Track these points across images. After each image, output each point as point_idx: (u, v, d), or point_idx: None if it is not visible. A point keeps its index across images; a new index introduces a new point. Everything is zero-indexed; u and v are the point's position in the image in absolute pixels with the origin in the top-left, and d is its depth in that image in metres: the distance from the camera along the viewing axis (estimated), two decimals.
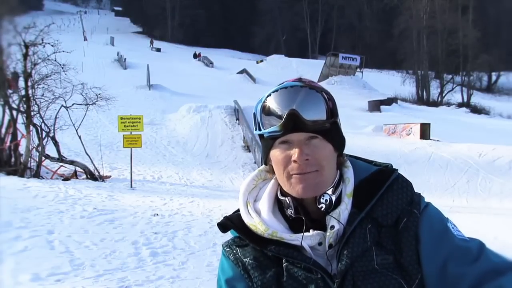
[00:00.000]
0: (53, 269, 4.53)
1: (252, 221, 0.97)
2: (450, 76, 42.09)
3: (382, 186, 0.93)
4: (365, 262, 0.88)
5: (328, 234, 0.91)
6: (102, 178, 11.46)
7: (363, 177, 0.97)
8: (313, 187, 0.91)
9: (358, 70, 40.02)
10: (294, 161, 0.90)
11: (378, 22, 59.00)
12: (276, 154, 0.93)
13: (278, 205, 0.99)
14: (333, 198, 0.93)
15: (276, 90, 0.93)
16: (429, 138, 16.29)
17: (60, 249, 5.18)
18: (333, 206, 0.93)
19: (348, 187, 0.95)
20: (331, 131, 0.93)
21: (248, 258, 0.96)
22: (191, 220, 7.15)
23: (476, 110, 34.34)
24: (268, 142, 0.95)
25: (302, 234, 0.91)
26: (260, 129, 0.95)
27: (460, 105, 36.70)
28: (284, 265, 0.92)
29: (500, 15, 51.63)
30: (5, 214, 6.10)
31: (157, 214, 7.31)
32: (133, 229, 6.38)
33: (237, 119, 19.02)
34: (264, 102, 0.94)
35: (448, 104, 37.50)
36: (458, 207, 9.37)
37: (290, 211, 0.95)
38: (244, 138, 17.17)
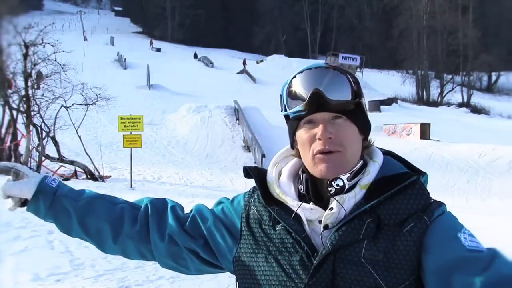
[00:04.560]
0: (53, 269, 4.53)
1: (272, 178, 1.02)
2: (450, 76, 42.12)
3: (396, 186, 0.92)
4: (352, 252, 0.87)
5: (325, 214, 0.91)
6: (102, 178, 11.46)
7: (386, 174, 0.95)
8: (336, 167, 0.92)
9: (358, 70, 40.06)
10: (319, 139, 0.91)
11: (378, 22, 59.02)
12: (301, 134, 0.95)
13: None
14: (347, 185, 0.93)
15: (302, 71, 0.95)
16: (429, 138, 16.31)
17: (60, 249, 5.17)
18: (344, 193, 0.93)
19: (365, 179, 0.94)
20: (355, 112, 0.95)
21: (256, 209, 1.00)
22: None
23: (476, 110, 34.37)
24: (293, 123, 0.97)
25: (301, 202, 0.94)
26: (285, 110, 0.97)
27: (460, 105, 36.73)
28: (278, 228, 0.95)
29: (500, 15, 51.60)
30: (5, 214, 6.10)
31: None
32: None
33: (237, 119, 19.03)
34: (290, 83, 0.96)
35: (448, 104, 37.54)
36: (458, 207, 9.38)
37: (301, 187, 0.97)
38: (244, 138, 17.17)
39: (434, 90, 41.12)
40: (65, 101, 11.80)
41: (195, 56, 49.66)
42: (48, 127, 11.58)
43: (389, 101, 29.62)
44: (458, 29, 41.06)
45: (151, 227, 1.06)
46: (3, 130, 11.40)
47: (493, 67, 44.30)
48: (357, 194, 0.92)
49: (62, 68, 11.90)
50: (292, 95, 0.94)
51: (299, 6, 62.39)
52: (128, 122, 11.36)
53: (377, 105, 27.27)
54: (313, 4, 62.50)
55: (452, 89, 40.93)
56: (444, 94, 40.42)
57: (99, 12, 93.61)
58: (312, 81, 0.92)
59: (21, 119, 11.47)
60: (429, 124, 17.12)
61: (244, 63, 44.44)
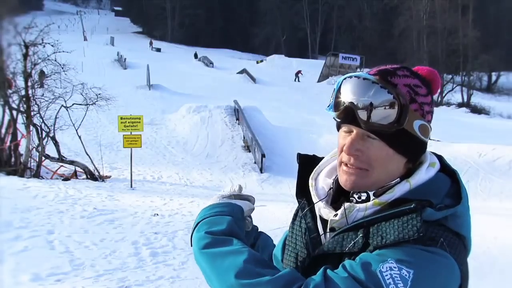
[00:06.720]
0: (53, 269, 4.53)
1: (316, 168, 1.02)
2: (450, 76, 42.09)
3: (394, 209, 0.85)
4: (331, 261, 0.86)
5: (330, 219, 0.92)
6: (102, 178, 11.46)
7: (414, 197, 0.85)
8: (356, 183, 0.89)
9: (358, 70, 40.04)
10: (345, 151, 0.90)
11: (378, 22, 58.95)
12: (339, 137, 0.93)
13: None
14: (371, 199, 0.89)
15: (351, 77, 0.89)
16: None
17: (60, 249, 5.17)
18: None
19: (385, 197, 0.88)
20: (394, 137, 0.86)
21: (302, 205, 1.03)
22: (191, 220, 7.12)
23: (476, 110, 34.36)
24: (337, 122, 0.94)
25: (318, 201, 0.96)
26: (330, 108, 0.94)
27: (460, 105, 36.71)
28: (304, 226, 0.98)
29: (500, 15, 51.59)
30: (5, 214, 6.10)
31: (157, 214, 7.30)
32: (133, 229, 6.37)
33: (237, 119, 19.00)
34: (340, 84, 0.90)
35: (448, 104, 37.49)
36: None
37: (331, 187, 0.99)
38: (244, 138, 17.16)
39: None
40: (65, 101, 11.77)
41: (195, 56, 49.62)
42: (48, 127, 11.57)
43: None
44: (458, 29, 41.04)
45: None
46: (3, 130, 11.38)
47: (493, 67, 44.26)
48: (368, 208, 0.88)
49: (62, 68, 11.89)
50: (336, 97, 0.90)
51: (299, 6, 62.33)
52: (128, 122, 11.35)
53: None
54: (313, 4, 62.46)
55: (452, 89, 40.88)
56: (444, 94, 40.38)
57: (99, 12, 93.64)
58: (353, 92, 0.86)
59: (21, 119, 11.45)
60: None
61: (299, 73, 38.28)
